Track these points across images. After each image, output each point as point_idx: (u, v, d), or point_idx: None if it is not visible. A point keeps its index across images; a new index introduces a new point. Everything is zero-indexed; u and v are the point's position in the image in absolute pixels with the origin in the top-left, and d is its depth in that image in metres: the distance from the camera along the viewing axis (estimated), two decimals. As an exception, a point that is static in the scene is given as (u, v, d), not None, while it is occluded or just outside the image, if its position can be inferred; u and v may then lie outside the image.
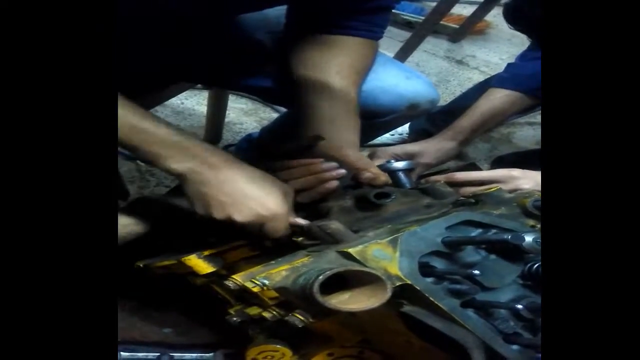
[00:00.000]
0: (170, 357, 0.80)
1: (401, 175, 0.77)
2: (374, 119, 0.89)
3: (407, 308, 0.50)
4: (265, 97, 1.16)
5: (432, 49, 2.32)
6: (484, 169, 0.92)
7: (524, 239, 0.51)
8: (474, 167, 1.00)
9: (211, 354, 0.81)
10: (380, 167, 0.78)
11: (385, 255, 0.49)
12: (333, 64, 0.79)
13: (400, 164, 0.78)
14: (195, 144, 0.59)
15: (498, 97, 1.00)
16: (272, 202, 0.57)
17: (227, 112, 1.43)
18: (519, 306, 0.52)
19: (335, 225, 0.53)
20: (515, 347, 0.52)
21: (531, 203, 0.62)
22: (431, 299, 0.49)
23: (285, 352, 0.65)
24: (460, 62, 2.23)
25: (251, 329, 0.65)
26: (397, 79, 0.91)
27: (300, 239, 0.61)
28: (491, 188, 0.68)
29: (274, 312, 0.50)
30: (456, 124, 0.97)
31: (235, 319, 0.60)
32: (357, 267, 0.44)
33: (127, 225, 0.68)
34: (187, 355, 0.82)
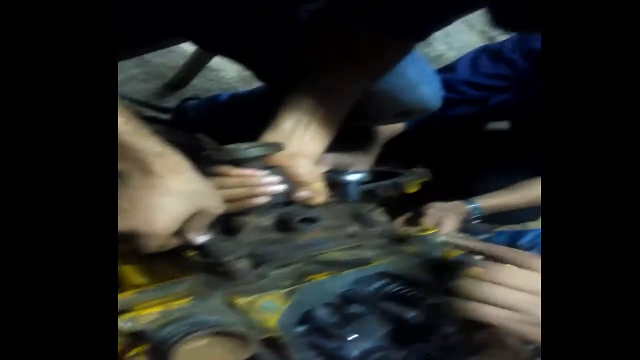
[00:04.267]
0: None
1: (351, 188, 0.74)
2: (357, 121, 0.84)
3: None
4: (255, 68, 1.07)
5: (470, 20, 2.12)
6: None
7: None
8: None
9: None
10: (331, 176, 0.74)
11: (273, 307, 0.46)
12: (348, 63, 0.72)
13: (353, 177, 0.74)
14: (147, 146, 0.52)
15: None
16: (161, 220, 0.51)
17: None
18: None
19: (240, 264, 0.50)
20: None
21: (455, 258, 0.59)
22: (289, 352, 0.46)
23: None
24: (492, 39, 2.05)
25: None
26: (406, 83, 0.85)
27: (192, 253, 0.56)
28: (428, 230, 0.64)
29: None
30: (373, 143, 0.98)
31: None
32: (221, 329, 0.41)
33: None
34: None
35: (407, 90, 0.85)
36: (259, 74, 1.01)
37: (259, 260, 0.55)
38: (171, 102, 1.31)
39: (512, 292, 0.47)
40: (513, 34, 1.11)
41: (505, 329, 0.47)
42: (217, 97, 1.19)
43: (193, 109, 1.19)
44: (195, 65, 1.30)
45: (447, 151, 1.23)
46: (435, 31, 0.78)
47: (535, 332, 0.45)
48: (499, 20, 0.60)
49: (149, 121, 1.24)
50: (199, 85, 1.38)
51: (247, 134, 1.14)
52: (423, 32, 0.75)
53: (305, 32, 0.76)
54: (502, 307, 0.46)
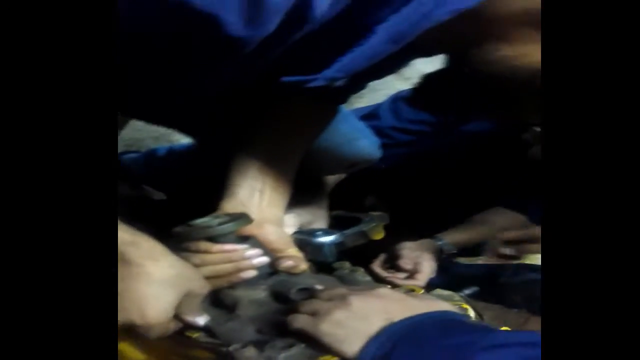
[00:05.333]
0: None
1: (327, 249, 0.72)
2: (308, 175, 0.83)
3: None
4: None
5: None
6: None
7: None
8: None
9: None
10: (304, 239, 0.73)
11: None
12: (285, 127, 0.72)
13: (328, 239, 0.73)
14: (122, 233, 0.51)
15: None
16: (151, 309, 0.50)
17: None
18: None
19: (248, 353, 0.46)
20: None
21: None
22: None
23: None
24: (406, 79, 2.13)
25: None
26: (343, 139, 0.87)
27: (197, 335, 0.54)
28: (416, 290, 0.64)
29: None
30: (323, 193, 0.99)
31: None
32: None
33: None
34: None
35: (346, 145, 0.88)
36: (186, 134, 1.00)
37: (264, 339, 0.52)
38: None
39: (322, 302, 0.53)
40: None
41: (303, 331, 0.50)
42: (155, 151, 1.13)
43: (133, 162, 1.11)
44: (122, 119, 1.23)
45: (391, 192, 1.25)
46: (355, 94, 0.81)
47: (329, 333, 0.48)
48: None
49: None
50: (129, 136, 1.30)
51: (187, 189, 1.09)
52: (344, 97, 0.77)
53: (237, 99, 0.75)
54: (309, 314, 0.51)
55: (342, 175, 1.08)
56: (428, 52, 0.62)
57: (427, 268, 0.89)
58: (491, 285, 0.84)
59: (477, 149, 1.16)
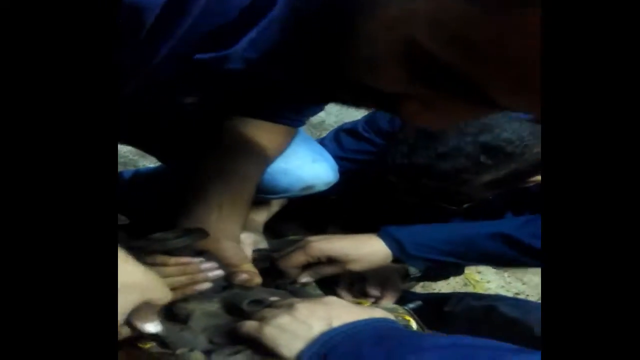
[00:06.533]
0: None
1: None
2: (264, 195, 0.87)
3: None
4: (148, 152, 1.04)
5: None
6: None
7: None
8: None
9: None
10: (263, 255, 0.76)
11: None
12: (242, 147, 0.75)
13: None
14: None
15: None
16: None
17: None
18: None
19: (195, 356, 0.49)
20: None
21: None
22: None
23: None
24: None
25: None
26: (302, 161, 0.90)
27: (149, 345, 0.55)
28: (363, 303, 0.68)
29: None
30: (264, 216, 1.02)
31: None
32: None
33: None
34: None
35: (305, 167, 0.91)
36: (155, 155, 1.02)
37: (215, 348, 0.55)
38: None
39: (271, 310, 0.56)
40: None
41: (249, 335, 0.53)
42: (121, 174, 1.15)
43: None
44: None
45: (346, 219, 1.29)
46: (313, 115, 0.87)
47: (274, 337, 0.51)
48: None
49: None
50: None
51: (154, 211, 1.10)
52: (301, 119, 0.82)
53: (198, 119, 0.78)
54: (257, 320, 0.54)
55: (285, 202, 1.10)
56: None
57: (394, 291, 0.91)
58: (436, 314, 0.86)
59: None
